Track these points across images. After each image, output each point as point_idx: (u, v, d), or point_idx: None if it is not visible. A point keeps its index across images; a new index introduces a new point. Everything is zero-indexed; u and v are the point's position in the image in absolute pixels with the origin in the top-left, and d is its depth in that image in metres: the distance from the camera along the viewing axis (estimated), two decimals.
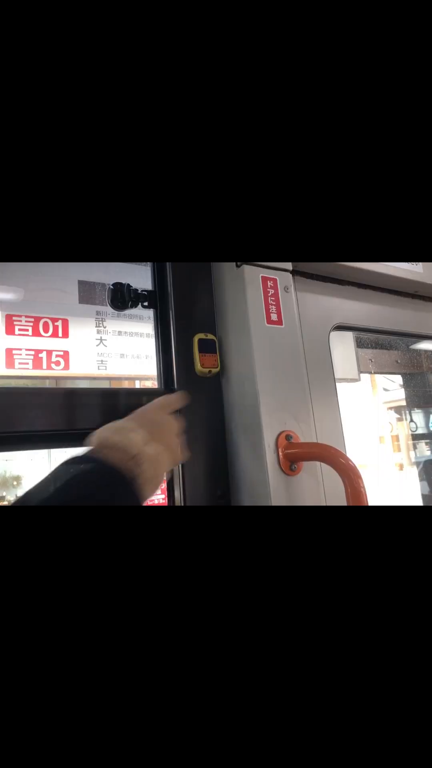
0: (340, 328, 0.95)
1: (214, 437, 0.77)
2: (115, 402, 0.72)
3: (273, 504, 0.67)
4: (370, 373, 1.91)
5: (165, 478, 0.53)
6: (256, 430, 0.70)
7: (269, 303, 0.77)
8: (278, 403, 0.73)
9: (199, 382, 0.78)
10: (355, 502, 0.62)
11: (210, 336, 0.80)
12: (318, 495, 0.72)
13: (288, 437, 0.71)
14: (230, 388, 0.78)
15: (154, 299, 0.84)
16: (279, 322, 0.77)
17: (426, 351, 1.81)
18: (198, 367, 0.77)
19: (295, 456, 0.69)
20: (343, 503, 0.64)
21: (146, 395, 0.77)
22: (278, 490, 0.68)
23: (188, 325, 0.80)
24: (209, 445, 0.77)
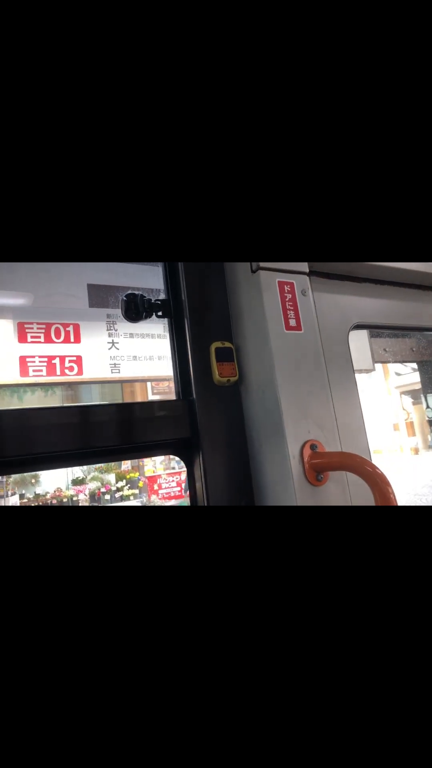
0: (360, 327, 0.92)
1: (235, 447, 0.76)
2: (130, 416, 0.71)
3: None
4: (386, 362, 1.88)
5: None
6: (280, 441, 0.69)
7: (287, 308, 0.75)
8: (301, 412, 0.71)
9: (217, 392, 0.77)
10: None
11: (227, 344, 0.78)
12: (345, 504, 0.70)
13: (313, 446, 0.69)
14: (250, 396, 0.76)
15: (168, 308, 0.82)
16: (298, 327, 0.75)
17: None
18: (216, 377, 0.75)
19: (321, 466, 0.68)
20: None
21: (163, 407, 0.76)
22: (305, 502, 0.67)
23: (204, 334, 0.79)
24: (231, 455, 0.75)
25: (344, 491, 0.71)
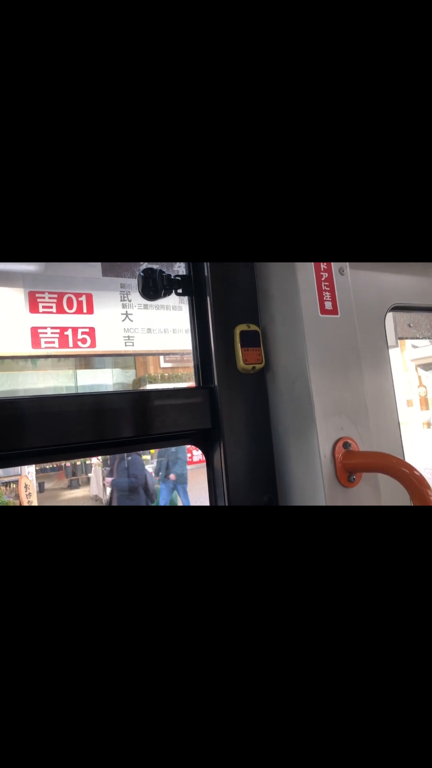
0: (398, 309, 0.84)
1: (259, 441, 0.70)
2: (148, 404, 0.66)
3: None
4: (410, 338, 1.80)
5: None
6: (310, 437, 0.63)
7: (323, 289, 0.67)
8: (335, 406, 0.65)
9: (241, 380, 0.71)
10: None
11: (253, 327, 0.71)
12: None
13: (346, 444, 0.64)
14: (277, 387, 0.70)
15: (189, 285, 0.75)
16: (334, 311, 0.68)
17: None
18: (240, 364, 0.69)
19: (355, 467, 0.62)
20: None
21: (181, 396, 0.71)
22: (335, 503, 0.62)
23: (228, 315, 0.72)
24: (253, 448, 0.70)
25: (377, 493, 0.66)
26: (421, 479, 0.59)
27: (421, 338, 1.91)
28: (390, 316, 1.57)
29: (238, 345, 0.70)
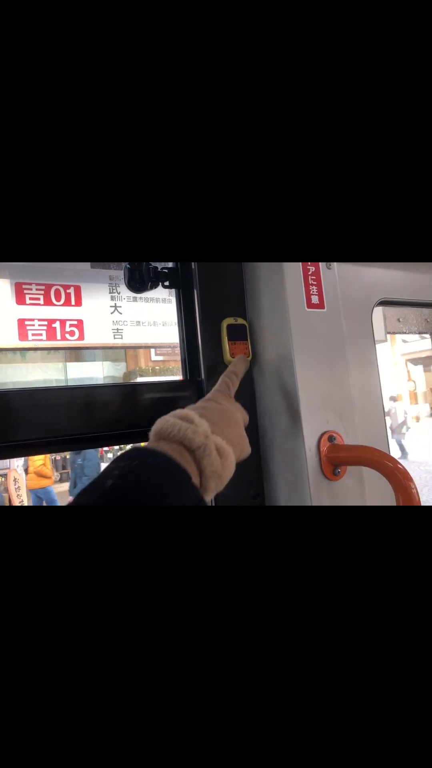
0: (385, 303, 0.85)
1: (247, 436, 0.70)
2: (135, 397, 0.66)
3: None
4: (399, 333, 1.80)
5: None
6: (296, 431, 0.64)
7: (310, 283, 0.67)
8: (320, 400, 0.65)
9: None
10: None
11: (240, 320, 0.71)
12: (363, 500, 0.66)
13: (331, 438, 0.64)
14: (263, 380, 0.70)
15: (176, 278, 0.74)
16: (321, 305, 0.68)
17: None
18: (227, 357, 0.69)
19: (340, 460, 0.63)
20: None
21: (169, 389, 0.70)
22: (320, 496, 0.62)
23: (215, 308, 0.71)
24: None
25: (361, 486, 0.66)
26: (404, 473, 0.59)
27: (410, 333, 1.93)
28: (379, 310, 1.59)
29: (225, 338, 0.69)
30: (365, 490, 0.67)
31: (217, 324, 0.70)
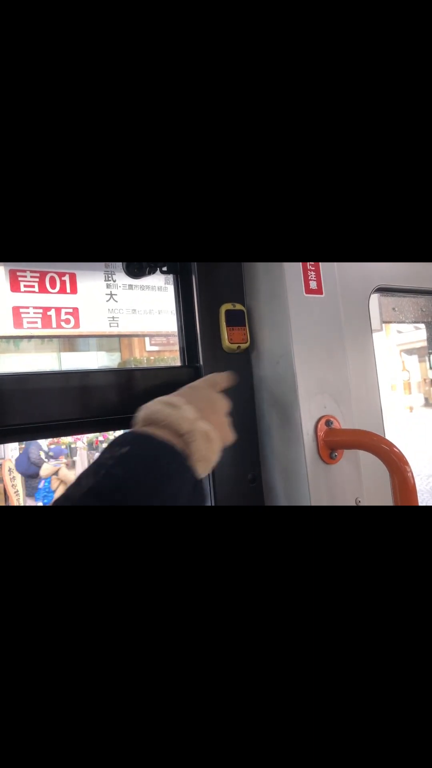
0: (381, 290, 0.85)
1: (243, 418, 0.71)
2: (132, 383, 0.66)
3: (309, 495, 0.63)
4: (394, 322, 1.81)
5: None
6: (293, 415, 0.64)
7: (308, 269, 0.67)
8: (318, 385, 0.66)
9: (226, 359, 0.71)
10: (403, 492, 0.58)
11: (238, 306, 0.71)
12: (359, 483, 0.67)
13: (328, 422, 0.65)
14: (261, 365, 0.70)
15: (174, 264, 0.74)
16: (319, 290, 0.68)
17: None
18: (226, 343, 0.69)
19: (336, 444, 0.64)
20: (387, 491, 0.59)
21: (166, 375, 0.71)
22: (317, 479, 0.63)
23: (213, 293, 0.71)
24: (239, 427, 0.71)
25: (357, 469, 0.67)
26: (400, 456, 0.60)
27: (407, 322, 1.93)
28: (375, 299, 1.59)
29: (223, 324, 0.69)
30: (361, 473, 0.68)
31: (215, 310, 0.70)
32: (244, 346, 0.70)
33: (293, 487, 0.65)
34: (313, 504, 0.62)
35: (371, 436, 0.62)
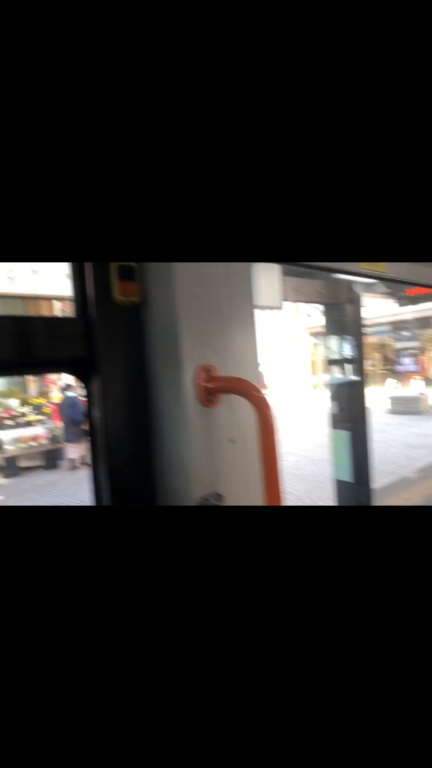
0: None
1: (136, 370, 0.77)
2: (26, 331, 0.68)
3: (190, 434, 0.71)
4: (293, 301, 1.97)
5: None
6: (177, 364, 0.71)
7: None
8: (199, 338, 0.73)
9: (118, 313, 0.75)
10: (264, 432, 0.68)
11: (130, 263, 0.76)
12: (232, 425, 0.77)
13: (207, 370, 0.73)
14: (152, 320, 0.76)
15: None
16: None
17: (345, 282, 1.89)
18: (117, 296, 0.73)
19: (213, 389, 0.72)
20: (255, 431, 0.70)
21: (62, 324, 0.73)
22: (195, 421, 0.72)
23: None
24: (130, 378, 0.77)
25: (232, 413, 0.77)
26: (265, 401, 0.71)
27: (301, 302, 2.10)
28: (277, 280, 1.72)
29: (114, 278, 0.73)
30: (234, 417, 0.78)
31: (106, 264, 0.74)
32: (135, 300, 0.75)
33: (176, 427, 0.72)
34: (191, 442, 0.70)
35: (243, 382, 0.72)
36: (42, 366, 0.73)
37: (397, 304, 2.40)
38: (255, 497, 0.77)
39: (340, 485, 2.00)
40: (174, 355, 0.72)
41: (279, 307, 1.77)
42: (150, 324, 0.77)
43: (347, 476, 1.97)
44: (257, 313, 0.92)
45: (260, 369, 0.91)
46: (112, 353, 0.74)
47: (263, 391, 0.72)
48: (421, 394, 10.81)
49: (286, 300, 1.79)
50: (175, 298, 0.71)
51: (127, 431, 0.75)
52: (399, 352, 12.88)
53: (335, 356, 2.15)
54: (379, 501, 2.14)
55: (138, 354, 0.77)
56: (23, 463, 6.85)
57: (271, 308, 1.55)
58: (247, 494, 0.77)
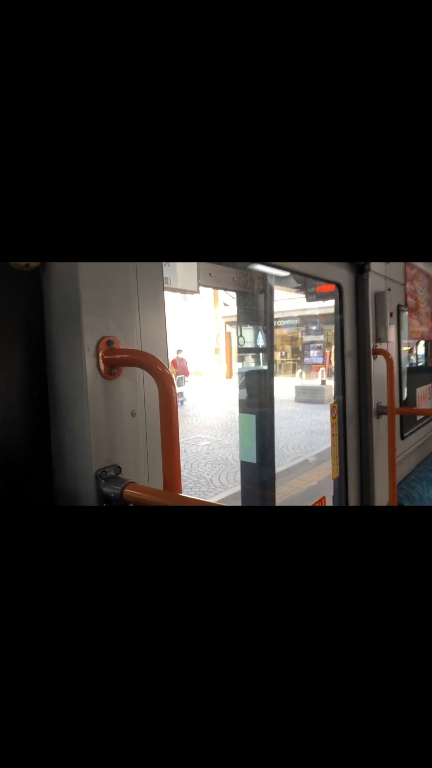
0: None
1: (33, 339, 0.73)
2: None
3: (90, 406, 0.69)
4: (210, 287, 2.01)
5: None
6: (77, 334, 0.69)
7: None
8: (102, 309, 0.72)
9: (15, 278, 0.71)
10: (165, 406, 0.69)
11: None
12: (135, 398, 0.77)
13: (109, 342, 0.72)
14: (51, 287, 0.73)
15: None
16: None
17: (259, 272, 1.97)
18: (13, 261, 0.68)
19: (115, 361, 0.71)
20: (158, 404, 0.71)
21: None
22: (96, 393, 0.70)
23: None
24: (28, 347, 0.72)
25: (136, 387, 0.77)
26: (169, 377, 0.72)
27: (216, 288, 2.14)
28: (194, 264, 1.73)
29: None
30: (141, 390, 0.78)
31: None
32: (33, 264, 0.71)
33: (75, 399, 0.70)
34: (90, 414, 0.69)
35: (147, 356, 0.72)
36: None
37: (305, 299, 2.57)
38: (154, 470, 0.78)
39: (246, 466, 2.11)
40: (74, 324, 0.70)
41: (196, 291, 1.79)
42: (49, 291, 0.73)
43: (252, 458, 2.07)
44: (174, 296, 0.92)
45: (183, 355, 0.92)
46: (5, 322, 0.69)
47: (176, 373, 0.73)
48: (324, 384, 11.75)
49: (202, 285, 1.82)
50: (77, 266, 0.69)
51: (21, 404, 0.71)
52: (307, 345, 13.81)
53: (246, 345, 2.23)
54: (280, 480, 2.30)
55: (35, 323, 0.73)
56: None
57: (187, 292, 1.56)
58: (146, 467, 0.78)
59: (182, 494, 0.63)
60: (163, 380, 0.71)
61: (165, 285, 0.96)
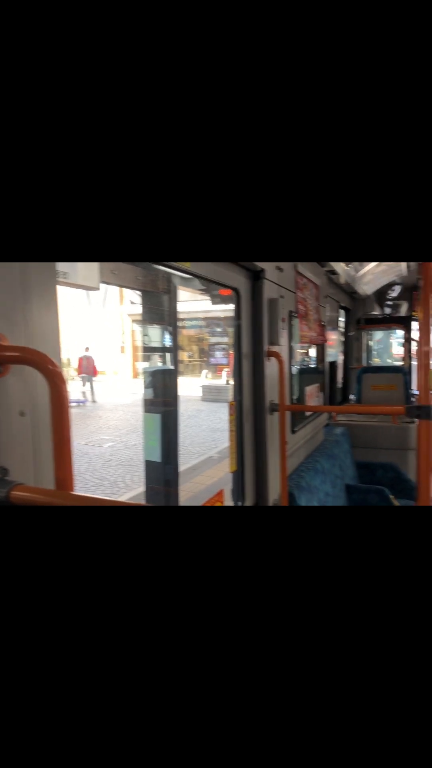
0: None
1: None
2: None
3: None
4: (112, 284, 1.97)
5: None
6: None
7: None
8: None
9: None
10: (56, 406, 0.68)
11: None
12: (25, 398, 0.74)
13: None
14: None
15: None
16: None
17: (163, 272, 2.00)
18: None
19: (4, 359, 0.68)
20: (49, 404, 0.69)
21: None
22: None
23: None
24: None
25: (26, 386, 0.75)
26: (60, 376, 0.71)
27: (118, 285, 2.11)
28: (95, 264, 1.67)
29: None
30: (34, 388, 0.76)
31: None
32: None
33: None
34: None
35: (38, 354, 0.70)
36: None
37: (210, 302, 2.67)
38: (44, 471, 0.76)
39: (150, 465, 2.12)
40: None
41: (96, 288, 1.75)
42: None
43: (157, 457, 2.09)
44: (75, 291, 0.90)
45: (90, 354, 0.90)
46: None
47: (80, 372, 0.72)
48: (228, 384, 12.19)
49: (104, 282, 1.79)
50: None
51: None
52: (212, 346, 14.20)
53: (151, 344, 2.24)
54: (185, 478, 2.35)
55: None
56: None
57: (88, 288, 1.52)
58: (36, 468, 0.76)
59: (75, 493, 0.63)
60: (54, 379, 0.69)
61: (62, 279, 0.93)
